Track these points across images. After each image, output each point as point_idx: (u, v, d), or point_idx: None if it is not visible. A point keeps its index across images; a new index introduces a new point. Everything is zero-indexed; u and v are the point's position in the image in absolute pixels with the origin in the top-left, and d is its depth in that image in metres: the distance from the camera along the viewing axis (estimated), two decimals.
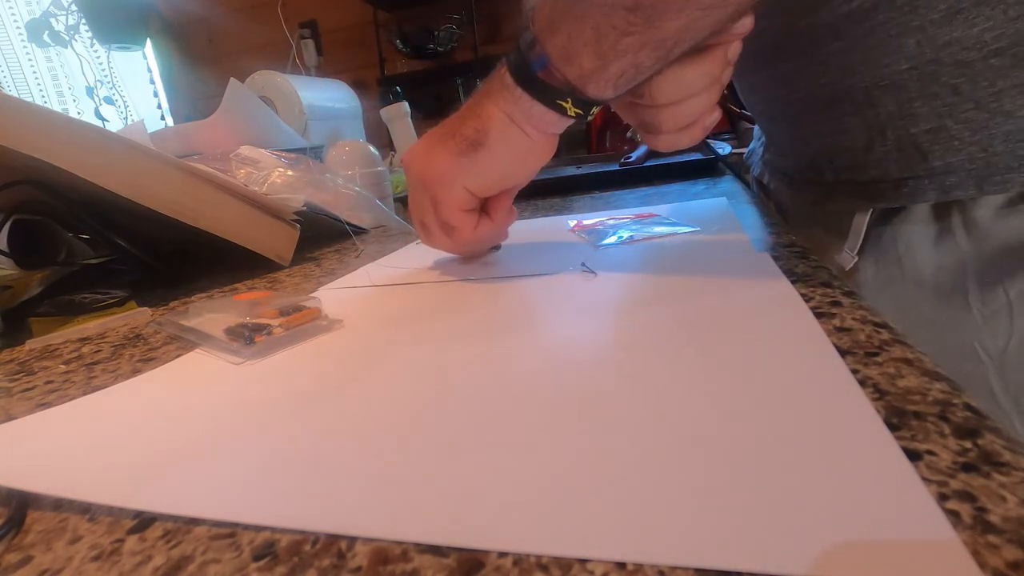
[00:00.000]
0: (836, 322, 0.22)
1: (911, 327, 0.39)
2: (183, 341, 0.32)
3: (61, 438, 0.22)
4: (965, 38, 0.32)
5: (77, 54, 2.07)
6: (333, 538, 0.14)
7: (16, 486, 0.18)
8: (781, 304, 0.25)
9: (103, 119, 2.10)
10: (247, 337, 0.28)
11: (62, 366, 0.31)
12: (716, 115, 0.33)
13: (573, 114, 0.30)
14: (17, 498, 0.17)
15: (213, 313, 0.32)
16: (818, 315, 0.23)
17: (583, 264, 0.35)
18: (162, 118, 2.27)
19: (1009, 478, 0.13)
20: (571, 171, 0.83)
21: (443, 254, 0.44)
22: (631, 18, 0.26)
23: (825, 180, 0.43)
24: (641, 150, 0.83)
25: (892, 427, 0.15)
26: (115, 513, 0.16)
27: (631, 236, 0.42)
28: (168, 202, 0.43)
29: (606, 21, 0.26)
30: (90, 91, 2.10)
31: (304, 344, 0.29)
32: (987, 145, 0.33)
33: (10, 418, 0.24)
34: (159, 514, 0.16)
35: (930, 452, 0.14)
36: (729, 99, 0.97)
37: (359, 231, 0.62)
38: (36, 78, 2.13)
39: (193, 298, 0.43)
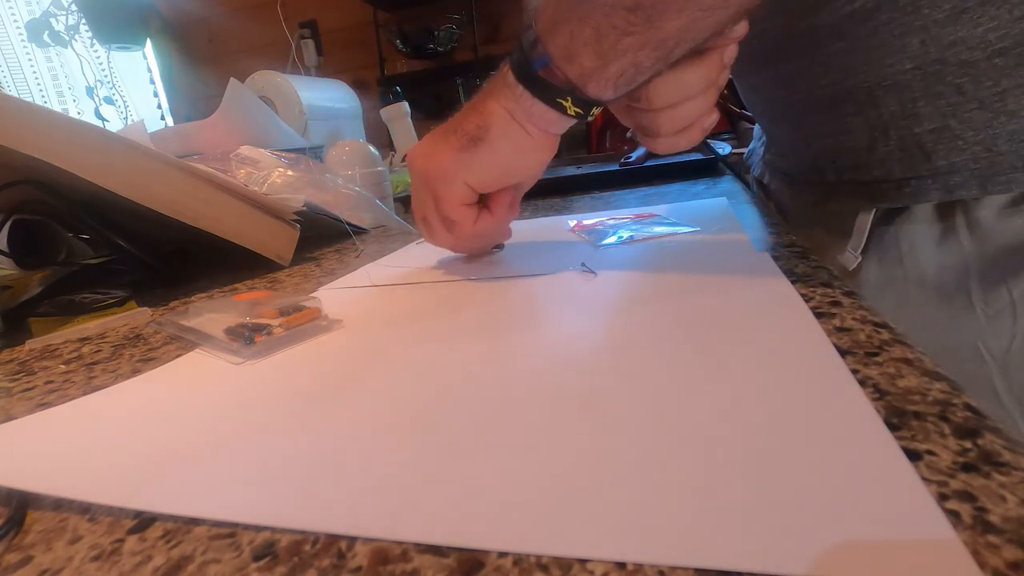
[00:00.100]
0: (836, 322, 0.22)
1: (914, 327, 0.39)
2: (183, 341, 0.32)
3: (61, 438, 0.22)
4: (970, 38, 0.32)
5: (77, 54, 2.07)
6: (333, 538, 0.14)
7: (16, 486, 0.18)
8: (781, 304, 0.25)
9: (103, 119, 2.10)
10: (247, 337, 0.28)
11: (62, 366, 0.31)
12: (714, 117, 0.33)
13: (573, 113, 0.31)
14: (17, 498, 0.17)
15: (213, 313, 0.32)
16: (818, 315, 0.23)
17: (583, 264, 0.36)
18: (162, 118, 2.27)
19: (1009, 478, 0.13)
20: (571, 171, 0.83)
21: (444, 254, 0.44)
22: (631, 18, 0.26)
23: (827, 180, 0.43)
24: (641, 150, 0.83)
25: (892, 427, 0.15)
26: (115, 513, 0.16)
27: (631, 236, 0.42)
28: (168, 202, 0.43)
29: (607, 21, 0.26)
30: (90, 91, 2.10)
31: (304, 344, 0.29)
32: (991, 145, 0.33)
33: (10, 418, 0.24)
34: (159, 514, 0.16)
35: (930, 452, 0.14)
36: (729, 99, 0.97)
37: (359, 231, 0.62)
38: (36, 78, 2.13)
39: (193, 298, 0.43)
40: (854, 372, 0.18)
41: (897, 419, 0.15)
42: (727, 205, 0.49)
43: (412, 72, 1.92)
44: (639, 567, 0.12)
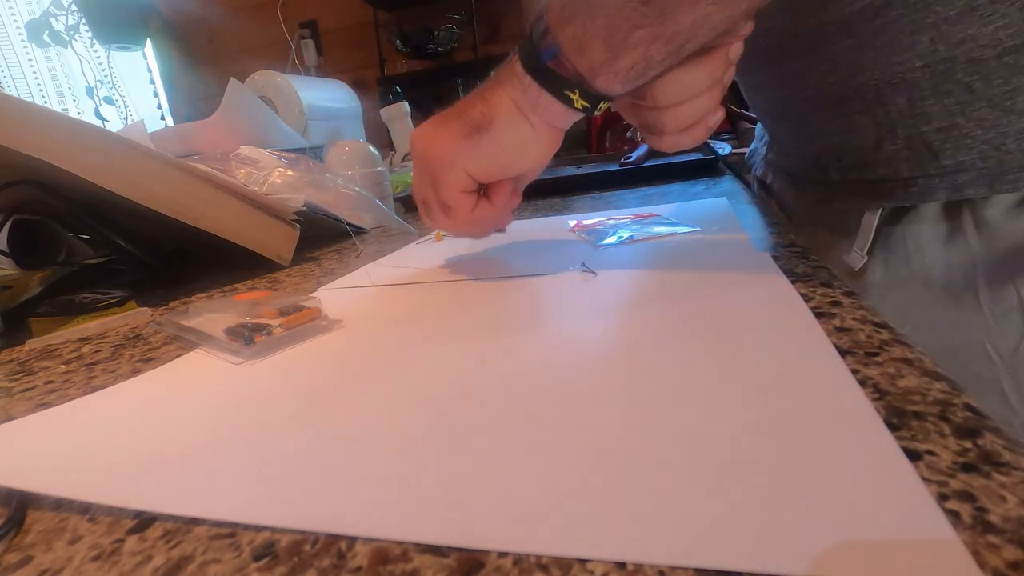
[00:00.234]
0: (836, 322, 0.22)
1: (921, 327, 0.39)
2: (183, 341, 0.32)
3: (61, 438, 0.22)
4: (980, 36, 0.32)
5: (77, 54, 2.07)
6: (333, 538, 0.14)
7: (16, 486, 0.18)
8: (781, 304, 0.25)
9: (103, 119, 2.10)
10: (247, 337, 0.28)
11: (62, 366, 0.31)
12: (719, 115, 0.33)
13: (580, 107, 0.30)
14: (17, 498, 0.17)
15: (213, 313, 0.33)
16: (818, 315, 0.23)
17: (583, 264, 0.35)
18: (162, 118, 2.27)
19: (1009, 478, 0.13)
20: (571, 171, 0.83)
21: (444, 254, 0.44)
22: (644, 11, 0.25)
23: (831, 179, 0.43)
24: (641, 150, 0.83)
25: (892, 427, 0.15)
26: (115, 513, 0.16)
27: (631, 236, 0.42)
28: (168, 202, 0.43)
29: (619, 14, 0.26)
30: (90, 91, 2.10)
31: (304, 344, 0.29)
32: (999, 144, 0.33)
33: (10, 418, 0.24)
34: (159, 514, 0.16)
35: (930, 452, 0.14)
36: (730, 99, 0.97)
37: (359, 231, 0.62)
38: (36, 78, 2.13)
39: (193, 298, 0.43)
40: (854, 372, 0.18)
41: (897, 419, 0.15)
42: (727, 205, 0.49)
43: (412, 72, 1.91)
44: (639, 567, 0.12)
